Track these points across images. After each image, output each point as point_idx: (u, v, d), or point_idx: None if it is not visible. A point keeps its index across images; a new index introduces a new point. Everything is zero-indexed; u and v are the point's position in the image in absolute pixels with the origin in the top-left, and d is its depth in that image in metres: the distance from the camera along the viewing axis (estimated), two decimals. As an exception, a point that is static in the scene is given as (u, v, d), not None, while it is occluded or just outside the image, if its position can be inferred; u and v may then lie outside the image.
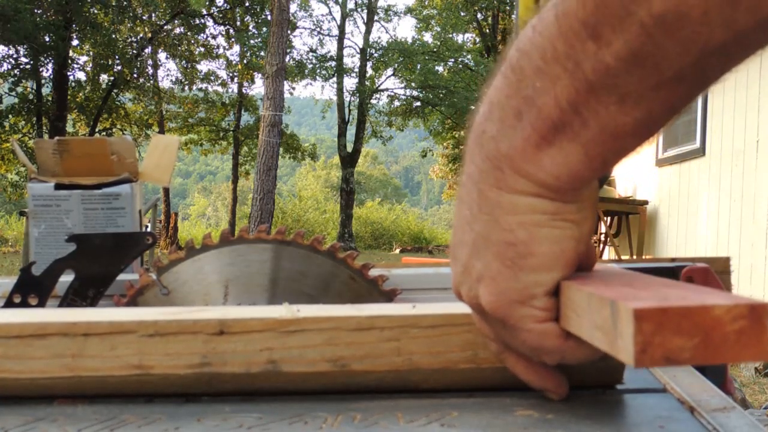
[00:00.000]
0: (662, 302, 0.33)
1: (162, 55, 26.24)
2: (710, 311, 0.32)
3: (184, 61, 20.04)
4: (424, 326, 0.52)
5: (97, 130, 18.11)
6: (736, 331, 0.32)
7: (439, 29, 20.38)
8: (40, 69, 17.13)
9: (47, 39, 16.37)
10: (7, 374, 0.51)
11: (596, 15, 0.36)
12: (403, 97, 20.24)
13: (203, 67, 35.59)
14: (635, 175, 7.42)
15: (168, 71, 48.40)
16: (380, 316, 0.52)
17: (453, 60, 19.30)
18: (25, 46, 16.33)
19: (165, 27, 19.16)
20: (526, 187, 0.43)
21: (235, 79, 20.45)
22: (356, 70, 19.83)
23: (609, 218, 7.20)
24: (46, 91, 17.71)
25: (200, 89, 20.38)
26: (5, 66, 16.86)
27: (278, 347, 0.52)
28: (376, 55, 19.85)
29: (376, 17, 21.03)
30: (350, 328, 0.52)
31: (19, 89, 17.16)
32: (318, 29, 21.48)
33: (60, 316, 0.52)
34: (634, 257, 6.56)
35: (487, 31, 20.62)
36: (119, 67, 18.23)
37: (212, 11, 19.21)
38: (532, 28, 0.40)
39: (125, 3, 17.82)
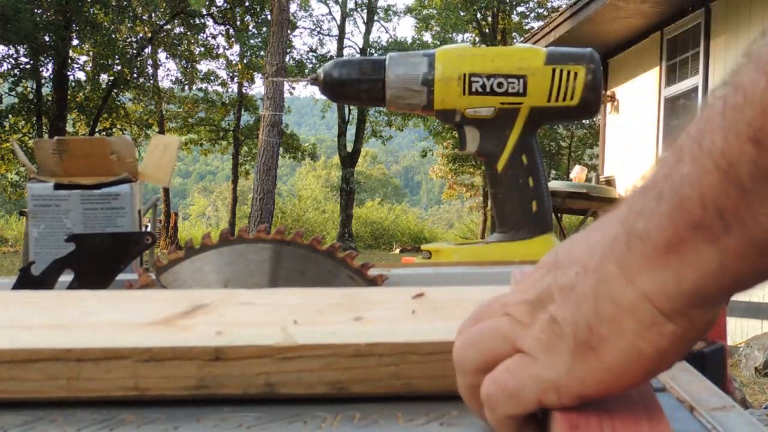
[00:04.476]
0: None
1: (162, 55, 26.26)
2: None
3: (184, 61, 20.04)
4: (424, 353, 0.51)
5: (97, 130, 18.11)
6: None
7: (438, 29, 20.38)
8: (40, 69, 17.14)
9: (47, 39, 16.37)
10: (2, 394, 0.51)
11: (763, 118, 0.33)
12: (403, 96, 20.21)
13: (203, 67, 35.60)
14: (636, 174, 7.42)
15: (168, 71, 48.41)
16: (379, 343, 0.51)
17: (453, 60, 19.27)
18: (25, 46, 16.33)
19: (165, 27, 19.16)
20: (643, 282, 0.37)
21: (235, 79, 20.45)
22: (356, 69, 19.81)
23: (609, 218, 7.17)
24: (46, 91, 17.71)
25: (200, 89, 20.39)
26: (5, 66, 16.87)
27: (275, 371, 0.51)
28: (376, 55, 19.85)
29: (376, 17, 21.04)
30: (348, 354, 0.51)
31: (19, 89, 17.17)
32: (318, 29, 21.51)
33: (52, 341, 0.52)
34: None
35: (487, 30, 20.62)
36: (119, 67, 18.23)
37: (212, 11, 19.21)
38: (701, 111, 0.37)
39: (125, 3, 17.82)
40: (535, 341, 0.40)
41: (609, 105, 8.31)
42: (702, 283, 0.36)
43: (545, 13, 20.23)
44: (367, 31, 20.64)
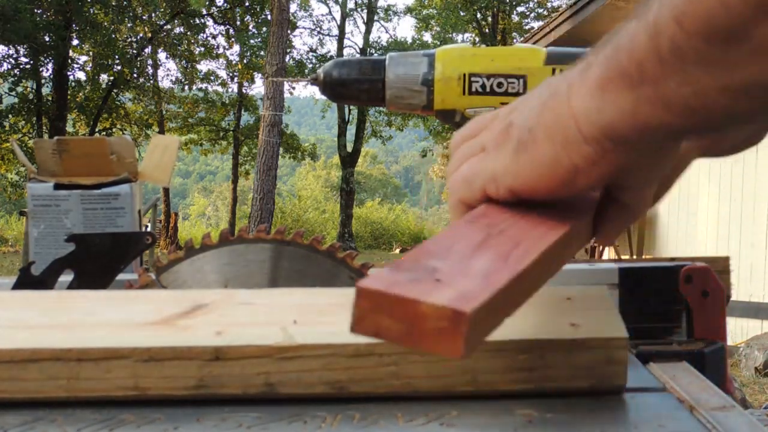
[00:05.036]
0: (387, 285, 0.37)
1: (162, 55, 26.24)
2: (419, 306, 0.36)
3: (184, 61, 20.05)
4: (424, 353, 0.51)
5: (97, 130, 18.11)
6: (436, 329, 0.36)
7: (438, 29, 20.39)
8: (40, 69, 17.15)
9: (47, 39, 16.38)
10: (2, 394, 0.51)
11: (685, 4, 0.37)
12: (403, 96, 20.24)
13: (203, 67, 35.53)
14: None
15: (168, 71, 48.41)
16: (379, 343, 0.51)
17: (453, 60, 19.29)
18: (25, 46, 16.35)
19: (165, 27, 19.17)
20: (576, 103, 0.44)
21: (235, 79, 20.46)
22: (356, 69, 19.83)
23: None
24: (46, 91, 17.72)
25: (200, 89, 20.39)
26: (5, 66, 16.89)
27: (275, 371, 0.51)
28: (376, 55, 19.85)
29: (376, 17, 21.05)
30: (348, 354, 0.51)
31: (19, 89, 17.18)
32: (318, 29, 21.51)
33: (52, 341, 0.52)
34: (634, 257, 6.56)
35: (487, 30, 20.62)
36: (119, 67, 18.24)
37: (212, 11, 19.22)
38: None
39: (125, 3, 17.83)
40: (491, 140, 0.48)
41: (609, 105, 8.31)
42: (617, 119, 0.42)
43: (545, 13, 20.24)
44: (367, 31, 20.65)
